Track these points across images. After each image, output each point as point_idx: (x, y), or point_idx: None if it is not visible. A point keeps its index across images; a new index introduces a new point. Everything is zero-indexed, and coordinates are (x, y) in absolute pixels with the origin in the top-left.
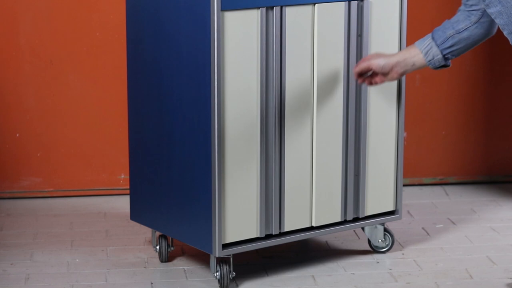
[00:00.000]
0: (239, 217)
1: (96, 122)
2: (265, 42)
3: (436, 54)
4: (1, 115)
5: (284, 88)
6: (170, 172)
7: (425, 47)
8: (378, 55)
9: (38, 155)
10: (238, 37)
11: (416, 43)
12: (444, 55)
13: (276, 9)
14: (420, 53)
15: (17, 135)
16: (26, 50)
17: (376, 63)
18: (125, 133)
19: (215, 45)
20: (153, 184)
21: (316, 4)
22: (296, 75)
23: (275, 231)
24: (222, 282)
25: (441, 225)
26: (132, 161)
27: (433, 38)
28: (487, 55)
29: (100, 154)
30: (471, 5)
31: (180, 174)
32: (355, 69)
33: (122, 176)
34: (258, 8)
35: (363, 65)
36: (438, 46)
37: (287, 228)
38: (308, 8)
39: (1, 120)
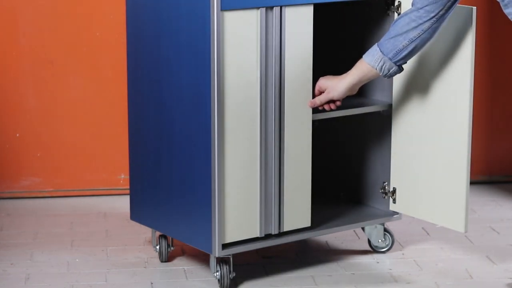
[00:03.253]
0: (239, 217)
1: (96, 122)
2: (265, 42)
3: (390, 67)
4: (1, 115)
5: (283, 88)
6: (170, 172)
7: (378, 63)
8: (332, 82)
9: (38, 155)
10: (238, 37)
11: (365, 58)
12: (398, 66)
13: (276, 9)
14: (373, 69)
15: (17, 135)
16: (26, 50)
17: (338, 94)
18: (125, 133)
19: (215, 45)
20: (153, 184)
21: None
22: (296, 75)
23: (274, 231)
24: (222, 282)
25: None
26: (132, 161)
27: (383, 53)
28: (487, 55)
29: (100, 154)
30: (429, 12)
31: (180, 174)
32: (313, 103)
33: (122, 176)
34: (258, 8)
35: (323, 99)
36: (391, 59)
37: (286, 228)
38: (309, 8)
39: (1, 120)
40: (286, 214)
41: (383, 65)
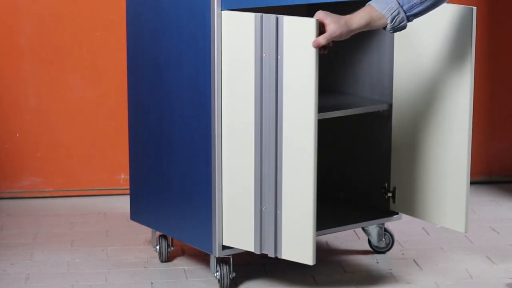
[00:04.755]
0: (235, 224)
1: (96, 122)
2: (259, 47)
3: (402, 20)
4: (1, 115)
5: (281, 96)
6: (170, 172)
7: (392, 13)
8: (334, 20)
9: (38, 155)
10: (238, 37)
11: (375, 5)
12: (409, 20)
13: (272, 17)
14: (383, 18)
15: (17, 135)
16: (26, 50)
17: (337, 34)
18: (125, 133)
19: (215, 45)
20: (153, 184)
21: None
22: (296, 80)
23: (270, 253)
24: (222, 282)
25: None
26: (132, 161)
27: (399, 3)
28: (487, 55)
29: (100, 154)
30: None
31: (180, 174)
32: (317, 43)
33: (122, 176)
34: (258, 8)
35: (328, 38)
36: (405, 11)
37: (284, 255)
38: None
39: (1, 120)
40: (284, 241)
41: (396, 15)
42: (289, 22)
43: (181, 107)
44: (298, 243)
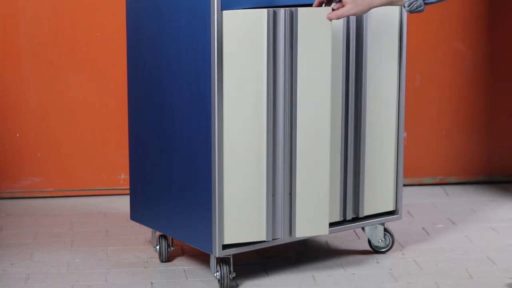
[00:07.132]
0: (241, 219)
1: (96, 122)
2: (271, 43)
3: (419, 5)
4: (1, 115)
5: (295, 88)
6: (170, 172)
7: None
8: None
9: (38, 155)
10: (238, 37)
11: None
12: (425, 5)
13: (286, 10)
14: (401, 1)
15: (17, 135)
16: (26, 50)
17: (361, 12)
18: (125, 133)
19: (215, 45)
20: (153, 184)
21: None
22: (307, 75)
23: (284, 236)
24: (222, 282)
25: (441, 225)
26: (132, 161)
27: None
28: (487, 55)
29: (100, 154)
30: None
31: (180, 174)
32: (332, 18)
33: (122, 176)
34: (258, 8)
35: (344, 15)
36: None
37: (299, 234)
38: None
39: (1, 120)
40: (298, 221)
41: (414, 1)
42: (303, 14)
43: (181, 106)
44: (313, 219)
